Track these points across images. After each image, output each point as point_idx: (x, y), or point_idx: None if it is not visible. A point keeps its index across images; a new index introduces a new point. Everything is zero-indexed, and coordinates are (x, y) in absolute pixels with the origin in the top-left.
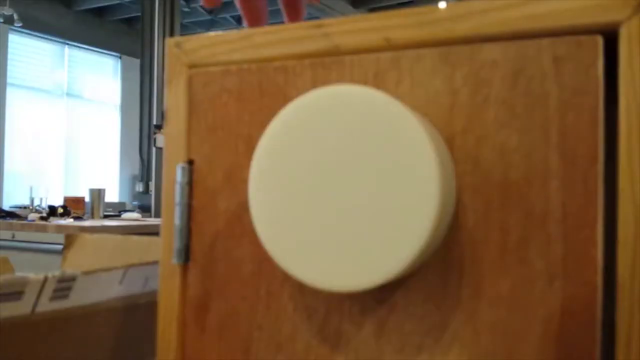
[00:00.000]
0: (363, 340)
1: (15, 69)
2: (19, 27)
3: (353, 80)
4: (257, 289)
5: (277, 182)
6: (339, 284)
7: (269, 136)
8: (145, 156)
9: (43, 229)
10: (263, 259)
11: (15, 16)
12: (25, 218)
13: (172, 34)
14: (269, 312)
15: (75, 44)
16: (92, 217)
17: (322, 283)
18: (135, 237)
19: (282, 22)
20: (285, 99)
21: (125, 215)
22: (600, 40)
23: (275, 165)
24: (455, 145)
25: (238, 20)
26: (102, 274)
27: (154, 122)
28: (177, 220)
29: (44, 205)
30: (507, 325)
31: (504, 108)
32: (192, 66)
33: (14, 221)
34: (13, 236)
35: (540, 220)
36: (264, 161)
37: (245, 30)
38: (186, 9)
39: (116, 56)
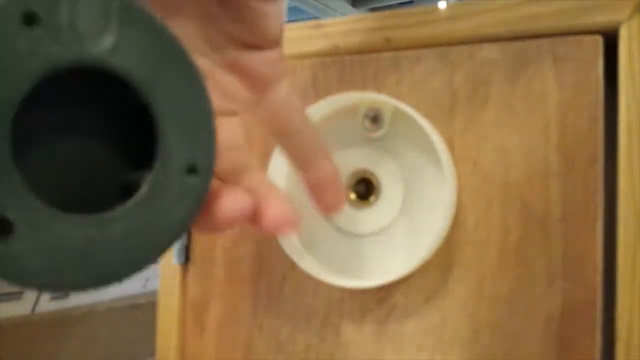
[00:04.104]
0: (363, 340)
1: None
2: None
3: (353, 80)
4: (256, 289)
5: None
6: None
7: None
8: None
9: None
10: (262, 259)
11: None
12: None
13: None
14: (268, 312)
15: None
16: None
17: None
18: None
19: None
20: None
21: None
22: (600, 40)
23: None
24: (456, 144)
25: None
26: None
27: None
28: None
29: None
30: (507, 325)
31: (503, 108)
32: None
33: None
34: None
35: (540, 220)
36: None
37: None
38: None
39: None
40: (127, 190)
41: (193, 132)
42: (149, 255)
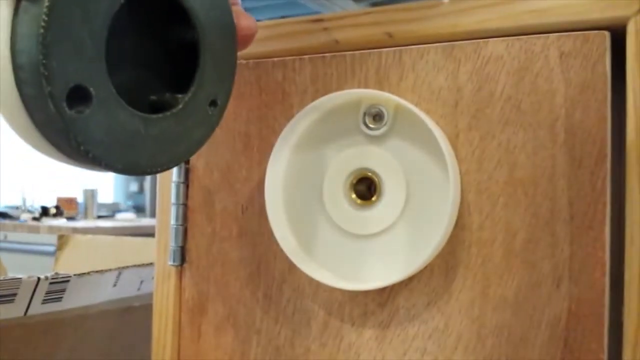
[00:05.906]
0: (365, 344)
1: None
2: None
3: (354, 76)
4: (254, 291)
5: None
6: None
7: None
8: None
9: (35, 230)
10: (261, 261)
11: None
12: (18, 218)
13: None
14: (267, 315)
15: None
16: (85, 217)
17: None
18: (129, 238)
19: (280, 17)
20: (284, 96)
21: (119, 215)
22: (607, 36)
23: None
24: (460, 142)
25: None
26: (96, 276)
27: None
28: (172, 221)
29: (36, 205)
30: (513, 329)
31: (509, 105)
32: None
33: (6, 222)
34: (5, 237)
35: (546, 221)
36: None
37: None
38: None
39: None
40: (153, 107)
41: (222, 75)
42: (172, 159)
